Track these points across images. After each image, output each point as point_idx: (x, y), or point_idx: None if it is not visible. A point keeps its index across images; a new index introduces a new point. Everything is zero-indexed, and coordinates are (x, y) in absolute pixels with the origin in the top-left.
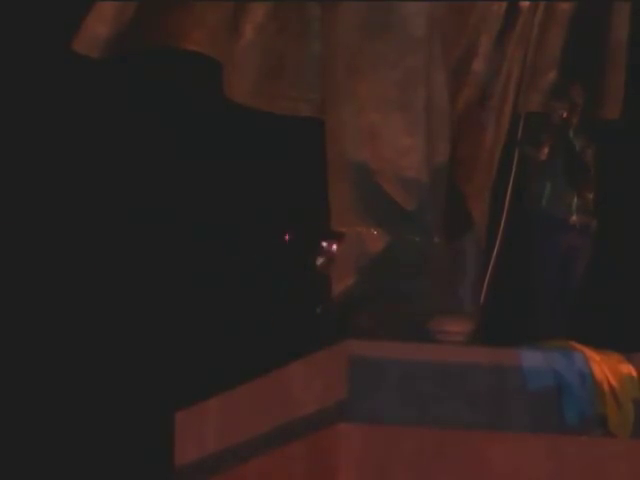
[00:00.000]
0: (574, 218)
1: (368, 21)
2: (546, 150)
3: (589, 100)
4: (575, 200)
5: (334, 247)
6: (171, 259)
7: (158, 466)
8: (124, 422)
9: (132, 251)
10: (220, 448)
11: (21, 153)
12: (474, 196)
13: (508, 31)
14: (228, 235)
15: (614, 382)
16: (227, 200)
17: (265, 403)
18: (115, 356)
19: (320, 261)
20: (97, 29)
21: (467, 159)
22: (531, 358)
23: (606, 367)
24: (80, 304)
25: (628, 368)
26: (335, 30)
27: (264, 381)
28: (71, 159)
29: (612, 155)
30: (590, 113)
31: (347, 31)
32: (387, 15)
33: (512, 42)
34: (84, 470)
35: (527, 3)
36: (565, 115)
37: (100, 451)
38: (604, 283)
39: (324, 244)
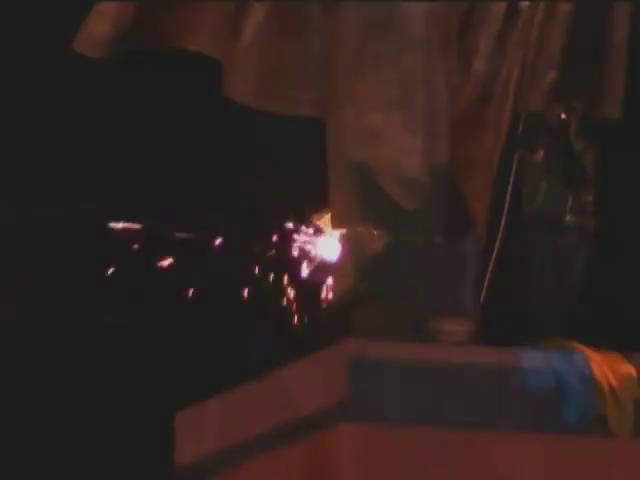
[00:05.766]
0: (568, 218)
1: (368, 21)
2: (542, 152)
3: (589, 100)
4: (570, 201)
5: (320, 252)
6: (171, 258)
7: (158, 466)
8: (124, 422)
9: (131, 250)
10: (220, 448)
11: (21, 153)
12: (474, 196)
13: (508, 31)
14: (226, 234)
15: (614, 382)
16: (227, 199)
17: (265, 403)
18: (114, 356)
19: (309, 268)
20: (97, 29)
21: (467, 159)
22: (531, 358)
23: (606, 367)
24: (80, 303)
25: (628, 368)
26: (335, 30)
27: (264, 381)
28: (71, 159)
29: (612, 155)
30: (590, 113)
31: (347, 31)
32: (387, 15)
33: (512, 42)
34: (84, 470)
35: (527, 3)
36: (563, 117)
37: (100, 451)
38: (604, 283)
39: (310, 250)
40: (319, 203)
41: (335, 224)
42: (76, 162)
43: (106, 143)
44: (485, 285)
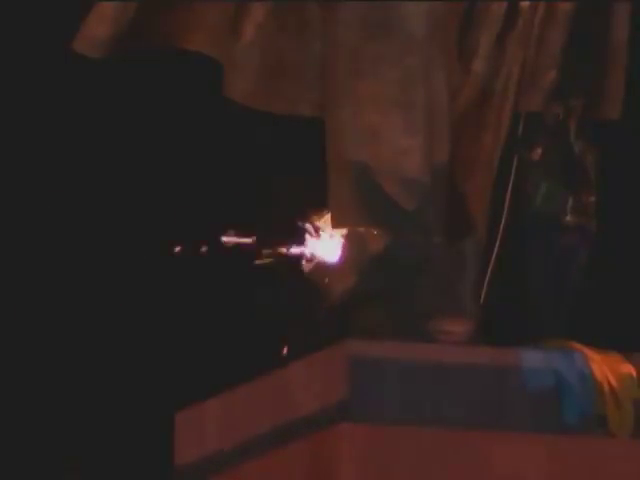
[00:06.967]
0: (568, 218)
1: (368, 21)
2: (539, 150)
3: (589, 100)
4: (570, 201)
5: (319, 251)
6: (171, 258)
7: (158, 466)
8: (124, 422)
9: (131, 250)
10: (220, 448)
11: (21, 153)
12: (474, 196)
13: (508, 31)
14: (225, 234)
15: (614, 382)
16: (226, 200)
17: (265, 403)
18: (114, 355)
19: (308, 266)
20: (97, 29)
21: (467, 159)
22: (531, 358)
23: (606, 367)
24: (80, 302)
25: (628, 368)
26: (335, 30)
27: (264, 381)
28: (71, 159)
29: (613, 155)
30: (590, 113)
31: (347, 31)
32: (387, 15)
33: (512, 42)
34: (84, 470)
35: (527, 3)
36: (561, 117)
37: (100, 451)
38: (604, 283)
39: (310, 248)
40: (319, 203)
41: (335, 224)
42: (75, 162)
43: (104, 143)
44: (485, 285)
